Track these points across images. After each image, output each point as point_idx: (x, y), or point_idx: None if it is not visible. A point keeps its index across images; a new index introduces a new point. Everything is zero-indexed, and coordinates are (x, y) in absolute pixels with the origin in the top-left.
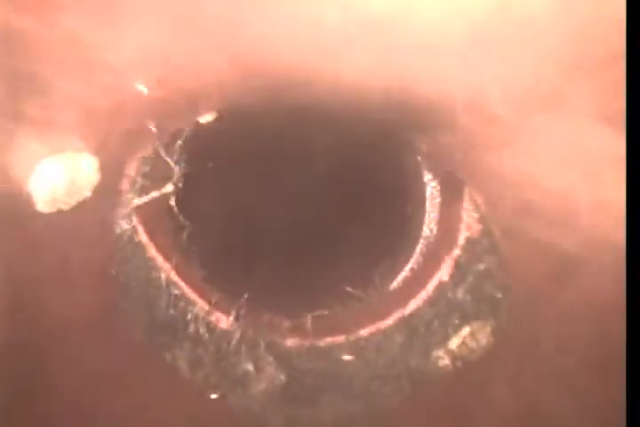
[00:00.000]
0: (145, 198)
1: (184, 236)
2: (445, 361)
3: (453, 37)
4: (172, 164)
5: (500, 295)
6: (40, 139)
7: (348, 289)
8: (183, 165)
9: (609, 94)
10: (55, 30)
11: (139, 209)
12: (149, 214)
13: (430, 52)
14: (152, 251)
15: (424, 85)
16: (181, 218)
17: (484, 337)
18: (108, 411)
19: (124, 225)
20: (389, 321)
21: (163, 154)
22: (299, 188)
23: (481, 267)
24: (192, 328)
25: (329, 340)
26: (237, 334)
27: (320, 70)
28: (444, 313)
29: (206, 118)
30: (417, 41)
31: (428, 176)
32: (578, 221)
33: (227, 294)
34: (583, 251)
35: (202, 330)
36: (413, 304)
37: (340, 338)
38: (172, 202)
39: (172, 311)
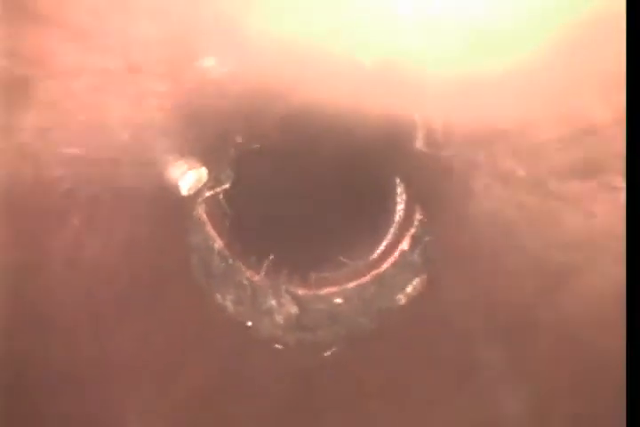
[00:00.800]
0: (210, 192)
1: (228, 218)
2: (403, 301)
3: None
4: (228, 170)
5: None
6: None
7: (341, 259)
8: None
9: None
10: None
11: (206, 199)
12: (210, 203)
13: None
14: (209, 227)
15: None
16: (226, 207)
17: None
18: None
19: (199, 210)
20: (368, 277)
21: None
22: (310, 186)
23: (427, 239)
24: (236, 279)
25: (326, 290)
26: (266, 283)
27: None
28: (404, 270)
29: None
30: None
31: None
32: None
33: (258, 257)
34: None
35: (243, 280)
36: (385, 266)
37: (334, 289)
38: (221, 196)
39: (223, 268)
